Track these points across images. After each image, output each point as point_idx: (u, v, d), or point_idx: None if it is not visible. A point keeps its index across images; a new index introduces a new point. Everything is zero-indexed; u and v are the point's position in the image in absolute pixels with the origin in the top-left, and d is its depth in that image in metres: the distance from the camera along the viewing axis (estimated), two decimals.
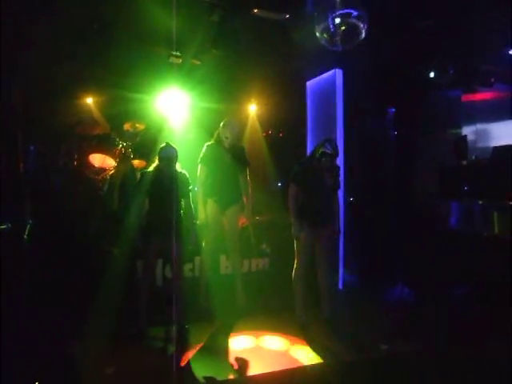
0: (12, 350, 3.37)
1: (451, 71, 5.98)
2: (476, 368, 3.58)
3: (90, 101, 6.75)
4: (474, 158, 6.48)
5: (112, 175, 6.28)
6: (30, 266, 3.82)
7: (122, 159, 6.31)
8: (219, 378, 3.53)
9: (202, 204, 4.83)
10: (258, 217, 5.95)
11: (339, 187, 4.75)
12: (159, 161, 4.27)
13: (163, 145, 4.31)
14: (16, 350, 3.42)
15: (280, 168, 7.35)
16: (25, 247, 3.66)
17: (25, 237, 3.65)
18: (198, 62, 5.84)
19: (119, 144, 6.40)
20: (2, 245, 3.38)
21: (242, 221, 5.09)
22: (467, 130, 7.07)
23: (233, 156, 4.84)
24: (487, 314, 4.44)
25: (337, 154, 4.47)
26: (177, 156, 4.30)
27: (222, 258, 5.44)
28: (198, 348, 4.06)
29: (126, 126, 6.56)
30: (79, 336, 3.96)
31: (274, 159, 7.41)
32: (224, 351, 4.02)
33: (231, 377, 3.59)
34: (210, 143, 4.89)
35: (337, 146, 4.47)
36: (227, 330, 4.47)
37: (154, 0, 4.60)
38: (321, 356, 3.92)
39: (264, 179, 6.87)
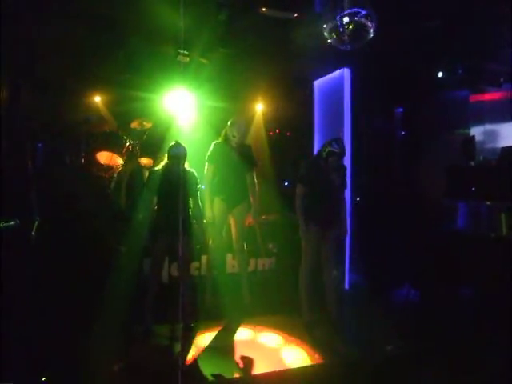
0: (19, 348, 3.39)
1: (460, 71, 5.95)
2: (481, 371, 3.58)
3: (97, 99, 6.78)
4: (481, 158, 6.44)
5: (119, 173, 6.29)
6: (38, 263, 3.83)
7: (130, 157, 6.33)
8: (226, 377, 3.53)
9: (208, 202, 4.83)
10: (265, 216, 5.95)
11: (346, 187, 4.74)
12: (168, 159, 4.28)
13: (172, 143, 4.31)
14: (22, 347, 3.43)
15: (287, 167, 7.34)
16: (32, 244, 3.68)
17: (32, 234, 3.66)
18: (206, 61, 5.85)
19: (126, 142, 6.42)
20: (10, 241, 3.39)
21: (249, 220, 5.09)
22: (475, 131, 7.02)
23: (240, 155, 4.84)
24: (494, 316, 4.42)
25: (344, 154, 4.46)
26: (186, 154, 4.31)
27: (229, 256, 5.44)
28: (204, 346, 4.07)
29: (134, 124, 6.58)
30: (85, 334, 3.98)
31: (281, 158, 7.40)
32: (230, 350, 4.02)
33: (238, 375, 3.59)
34: (217, 142, 4.89)
35: (344, 146, 4.46)
36: (233, 328, 4.47)
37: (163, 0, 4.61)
38: (326, 356, 3.92)
39: (271, 178, 6.86)
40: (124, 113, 6.76)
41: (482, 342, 4.00)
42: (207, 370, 3.61)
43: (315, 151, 6.22)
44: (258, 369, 3.68)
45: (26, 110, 5.02)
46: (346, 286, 5.86)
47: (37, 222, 3.68)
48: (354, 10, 4.21)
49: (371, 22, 4.25)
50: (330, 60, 5.85)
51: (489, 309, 4.63)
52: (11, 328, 3.30)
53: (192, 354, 3.88)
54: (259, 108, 7.57)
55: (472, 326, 4.38)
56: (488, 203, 5.62)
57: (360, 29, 4.26)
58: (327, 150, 4.40)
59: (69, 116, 6.47)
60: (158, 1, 4.65)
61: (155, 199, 4.34)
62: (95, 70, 6.10)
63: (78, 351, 3.70)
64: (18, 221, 3.43)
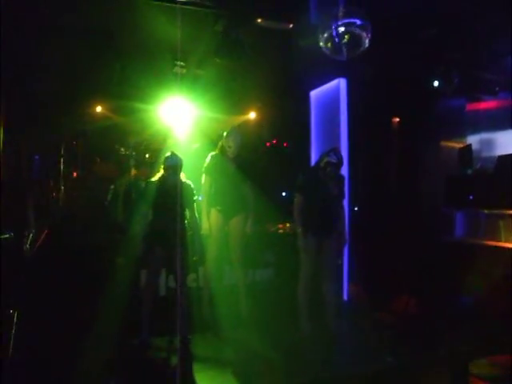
0: (13, 361, 3.35)
1: (455, 80, 5.96)
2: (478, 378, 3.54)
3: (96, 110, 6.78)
4: (478, 167, 6.45)
5: (116, 185, 6.28)
6: (32, 276, 3.80)
7: (126, 169, 6.31)
8: None
9: (205, 214, 4.80)
10: (262, 227, 5.90)
11: (344, 197, 4.73)
12: (164, 170, 4.26)
13: (168, 154, 4.30)
14: (17, 360, 3.39)
15: (285, 178, 7.34)
16: (27, 257, 3.65)
17: (27, 246, 3.64)
18: (202, 72, 5.86)
19: (124, 153, 6.41)
20: (3, 254, 3.37)
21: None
22: (472, 139, 7.04)
23: (237, 166, 4.82)
24: (494, 324, 4.39)
25: (341, 164, 4.46)
26: (181, 165, 4.29)
27: (226, 268, 5.39)
28: (201, 359, 4.02)
29: (131, 136, 6.58)
30: (81, 346, 3.93)
31: (279, 169, 7.39)
32: (228, 362, 3.97)
33: None
34: (213, 153, 4.88)
35: (341, 156, 4.46)
36: (231, 341, 4.42)
37: (159, 10, 4.62)
38: (325, 369, 3.87)
39: (268, 189, 6.84)
40: (121, 124, 6.76)
41: (482, 352, 3.96)
42: (204, 383, 3.56)
43: (312, 161, 6.21)
44: (256, 382, 3.63)
45: (23, 122, 5.02)
46: (345, 296, 5.81)
47: (31, 235, 3.66)
48: (350, 20, 4.23)
49: (366, 32, 4.27)
50: (327, 70, 5.86)
51: (489, 317, 4.60)
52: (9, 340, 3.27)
53: (189, 367, 3.83)
54: (256, 119, 7.57)
55: (472, 335, 4.34)
56: (486, 211, 5.61)
57: (355, 39, 4.28)
58: (325, 160, 4.39)
59: (66, 128, 6.47)
60: (155, 13, 4.66)
61: (151, 210, 4.31)
62: (92, 83, 6.11)
63: (74, 364, 3.65)
64: (11, 233, 3.40)
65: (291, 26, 5.03)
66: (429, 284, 5.43)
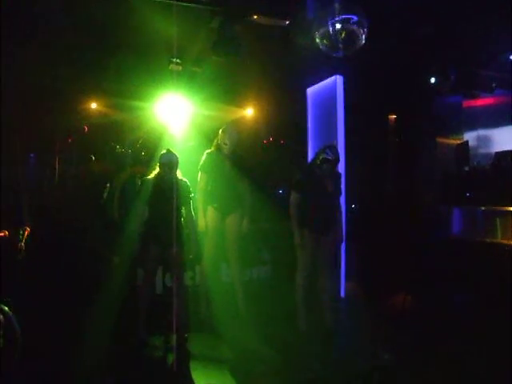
0: (9, 360, 3.33)
1: (452, 77, 5.96)
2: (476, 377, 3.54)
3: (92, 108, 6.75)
4: (475, 163, 6.46)
5: (112, 182, 6.24)
6: (28, 275, 3.78)
7: (122, 166, 6.28)
8: None
9: (201, 211, 4.79)
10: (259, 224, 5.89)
11: (341, 194, 4.72)
12: (160, 167, 4.23)
13: (164, 151, 4.27)
14: (14, 359, 3.37)
15: (281, 175, 7.32)
16: (22, 254, 3.63)
17: (21, 244, 3.62)
18: (198, 69, 5.84)
19: (119, 151, 6.38)
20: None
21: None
22: (469, 136, 7.05)
23: (233, 163, 4.81)
24: (492, 322, 4.39)
25: (338, 161, 4.44)
26: (177, 162, 4.25)
27: (223, 265, 5.39)
28: (198, 358, 4.01)
29: (127, 134, 6.56)
30: (78, 345, 3.91)
31: (275, 166, 7.38)
32: (225, 360, 3.96)
33: None
34: (209, 151, 4.86)
35: (338, 153, 4.45)
36: (228, 338, 4.42)
37: (155, 8, 4.59)
38: (322, 366, 3.87)
39: (265, 186, 6.83)
40: (117, 122, 6.74)
41: (480, 350, 3.96)
42: (201, 381, 3.56)
43: (309, 158, 6.20)
44: (254, 380, 3.62)
45: (19, 120, 4.99)
46: (342, 293, 5.81)
47: (26, 233, 3.64)
48: (346, 16, 4.22)
49: (363, 28, 4.26)
50: (323, 67, 5.84)
51: (486, 314, 4.60)
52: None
53: (186, 366, 3.82)
54: (252, 116, 7.55)
55: (469, 332, 4.34)
56: (483, 208, 5.62)
57: (351, 36, 4.27)
58: (321, 157, 4.38)
59: (61, 126, 6.44)
60: (151, 10, 4.64)
61: (147, 208, 4.28)
62: (87, 80, 6.08)
63: (71, 363, 3.63)
64: (7, 232, 3.39)
65: (287, 22, 5.00)
66: (426, 281, 5.43)
